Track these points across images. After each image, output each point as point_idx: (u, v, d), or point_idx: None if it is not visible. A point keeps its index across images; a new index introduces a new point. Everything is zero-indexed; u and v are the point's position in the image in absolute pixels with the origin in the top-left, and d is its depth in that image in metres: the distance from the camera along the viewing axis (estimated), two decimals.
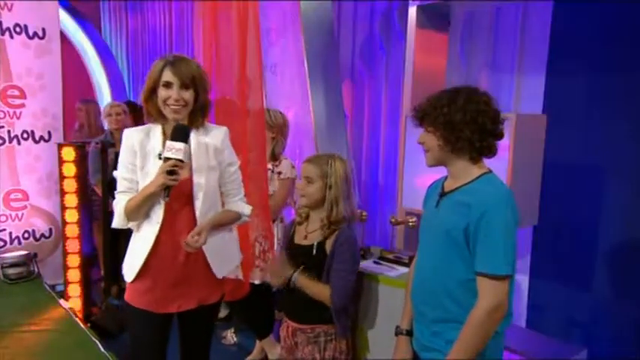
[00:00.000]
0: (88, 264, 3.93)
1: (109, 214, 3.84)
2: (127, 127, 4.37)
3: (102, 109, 4.92)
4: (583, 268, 2.93)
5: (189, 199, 2.11)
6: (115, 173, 2.15)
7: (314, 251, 2.37)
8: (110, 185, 3.71)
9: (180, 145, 1.95)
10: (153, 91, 2.07)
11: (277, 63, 3.67)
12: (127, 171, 2.12)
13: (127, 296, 2.23)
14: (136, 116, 4.98)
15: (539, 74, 3.04)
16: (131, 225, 2.14)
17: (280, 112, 3.26)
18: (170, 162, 1.95)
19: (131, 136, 2.14)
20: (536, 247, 3.06)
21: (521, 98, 3.14)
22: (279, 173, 3.14)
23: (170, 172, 1.95)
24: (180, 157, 1.95)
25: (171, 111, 2.05)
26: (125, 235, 2.26)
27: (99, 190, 4.15)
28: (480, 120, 1.71)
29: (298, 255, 2.44)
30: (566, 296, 2.99)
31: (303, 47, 3.35)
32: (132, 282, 2.17)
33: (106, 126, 4.59)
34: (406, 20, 3.23)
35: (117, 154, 4.02)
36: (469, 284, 1.73)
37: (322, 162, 2.41)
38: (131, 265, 2.16)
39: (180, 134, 1.99)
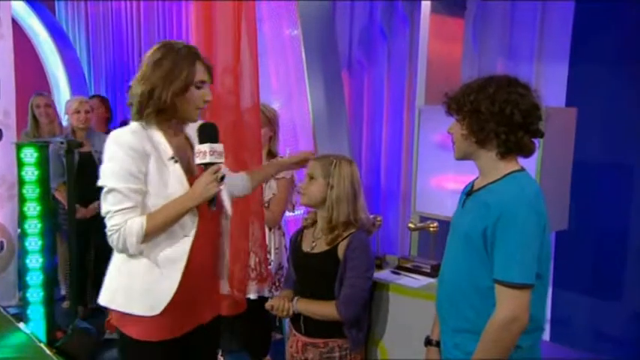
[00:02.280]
0: (52, 281, 3.55)
1: (79, 224, 3.46)
2: (91, 126, 3.94)
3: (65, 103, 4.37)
4: (612, 276, 2.81)
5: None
6: (114, 184, 1.78)
7: (324, 259, 2.29)
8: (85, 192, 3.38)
9: (220, 146, 1.82)
10: (182, 92, 1.82)
11: (266, 53, 3.43)
12: (137, 181, 1.80)
13: (141, 334, 1.87)
14: (104, 113, 4.55)
15: (562, 63, 2.87)
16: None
17: (272, 107, 3.06)
18: (216, 166, 1.81)
19: (133, 139, 1.82)
20: (559, 254, 2.89)
21: (542, 89, 2.93)
22: None
23: (221, 179, 1.81)
24: (222, 160, 1.83)
25: (197, 113, 1.88)
26: (101, 249, 1.90)
27: (60, 197, 3.78)
28: (507, 111, 1.60)
29: (308, 264, 2.37)
30: (594, 307, 2.89)
31: (300, 37, 3.16)
32: (155, 316, 1.84)
33: (65, 123, 4.12)
34: (413, 4, 3.10)
35: (82, 156, 3.65)
36: (490, 292, 1.63)
37: (327, 161, 2.34)
38: (154, 296, 1.84)
39: (214, 134, 1.84)
